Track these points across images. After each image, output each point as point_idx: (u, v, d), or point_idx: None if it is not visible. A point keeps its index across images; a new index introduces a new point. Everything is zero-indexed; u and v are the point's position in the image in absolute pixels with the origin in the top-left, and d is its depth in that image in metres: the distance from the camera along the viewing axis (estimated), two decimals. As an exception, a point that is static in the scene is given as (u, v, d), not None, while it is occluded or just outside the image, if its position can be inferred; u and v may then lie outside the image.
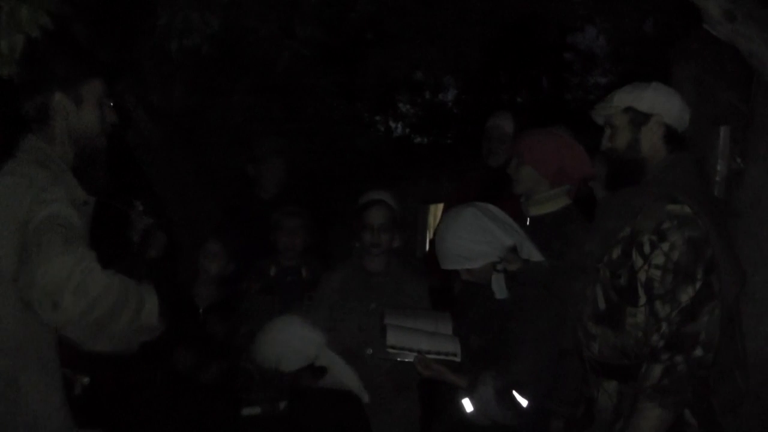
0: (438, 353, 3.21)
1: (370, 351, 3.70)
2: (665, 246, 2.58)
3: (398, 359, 3.27)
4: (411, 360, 3.23)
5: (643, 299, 2.64)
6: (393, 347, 3.24)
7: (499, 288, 3.17)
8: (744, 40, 3.17)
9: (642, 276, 2.64)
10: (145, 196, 3.38)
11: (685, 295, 2.54)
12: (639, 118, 2.84)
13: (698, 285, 2.55)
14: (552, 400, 3.18)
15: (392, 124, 14.87)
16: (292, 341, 3.60)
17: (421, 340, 3.25)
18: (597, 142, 3.00)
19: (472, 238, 3.15)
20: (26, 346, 2.47)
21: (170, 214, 5.89)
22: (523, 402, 3.00)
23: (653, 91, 2.86)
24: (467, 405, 3.12)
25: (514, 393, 3.01)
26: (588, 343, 2.84)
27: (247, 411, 3.55)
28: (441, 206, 5.34)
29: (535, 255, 3.20)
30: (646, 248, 2.63)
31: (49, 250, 2.32)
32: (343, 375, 3.53)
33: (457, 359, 3.21)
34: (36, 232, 2.36)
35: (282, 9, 4.25)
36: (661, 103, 2.85)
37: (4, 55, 2.28)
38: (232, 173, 5.73)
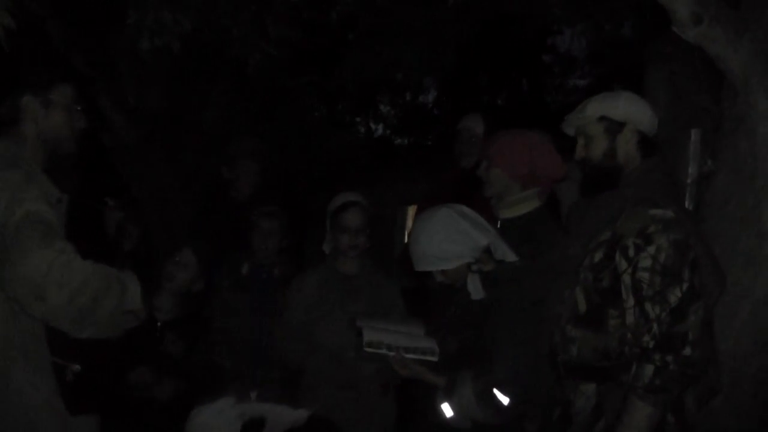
0: (415, 352, 3.22)
1: (352, 354, 3.69)
2: (651, 249, 2.62)
3: (376, 358, 3.28)
4: (389, 359, 3.23)
5: (629, 301, 2.67)
6: (370, 345, 3.24)
7: (475, 289, 3.17)
8: (711, 43, 3.20)
9: (627, 279, 2.68)
10: (120, 194, 3.36)
11: (674, 296, 2.59)
12: (613, 127, 2.89)
13: (685, 286, 2.60)
14: (526, 403, 3.17)
15: (373, 126, 14.85)
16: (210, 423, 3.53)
17: (398, 339, 3.25)
18: (575, 143, 3.03)
19: (447, 239, 3.13)
20: (13, 340, 2.55)
21: (147, 215, 5.86)
22: (505, 400, 2.99)
23: (626, 100, 2.92)
24: (447, 410, 3.10)
25: (495, 392, 3.00)
26: (566, 346, 2.85)
27: None
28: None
29: (509, 256, 3.19)
30: (631, 252, 2.67)
31: (28, 246, 2.39)
32: (277, 413, 3.49)
33: (435, 359, 3.21)
34: (14, 230, 2.41)
35: (255, 9, 4.23)
36: (634, 111, 2.91)
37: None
38: (208, 174, 5.71)
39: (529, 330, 3.05)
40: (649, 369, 2.57)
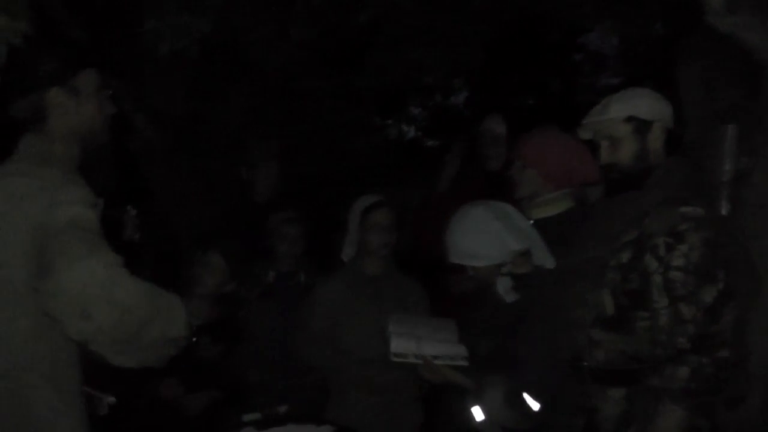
0: (444, 358, 3.15)
1: (379, 358, 3.61)
2: (684, 247, 2.56)
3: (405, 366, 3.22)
4: (418, 367, 3.19)
5: (662, 302, 2.61)
6: (397, 355, 3.18)
7: (505, 291, 3.10)
8: (747, 33, 3.12)
9: (658, 279, 2.61)
10: (140, 199, 3.28)
11: (709, 296, 2.52)
12: (643, 126, 2.79)
13: (720, 285, 2.53)
14: (552, 410, 3.07)
15: (405, 128, 14.85)
16: None
17: (426, 346, 3.19)
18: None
19: (477, 238, 3.08)
20: (38, 362, 2.30)
21: (171, 219, 5.85)
22: (535, 405, 2.92)
23: (649, 97, 2.83)
24: (477, 414, 3.04)
25: (525, 396, 2.93)
26: (591, 351, 2.78)
27: (248, 417, 3.45)
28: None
29: (548, 262, 3.12)
30: (661, 251, 2.60)
31: (75, 256, 2.14)
32: None
33: (465, 363, 3.13)
34: (58, 236, 2.18)
35: (277, 11, 4.19)
36: (660, 108, 2.82)
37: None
38: (230, 177, 5.69)
39: (554, 334, 2.98)
40: (684, 371, 2.51)
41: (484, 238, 3.07)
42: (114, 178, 2.74)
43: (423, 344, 3.19)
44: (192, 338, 3.84)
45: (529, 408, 2.92)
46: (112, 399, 2.49)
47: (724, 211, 3.36)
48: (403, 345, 3.19)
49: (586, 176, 3.50)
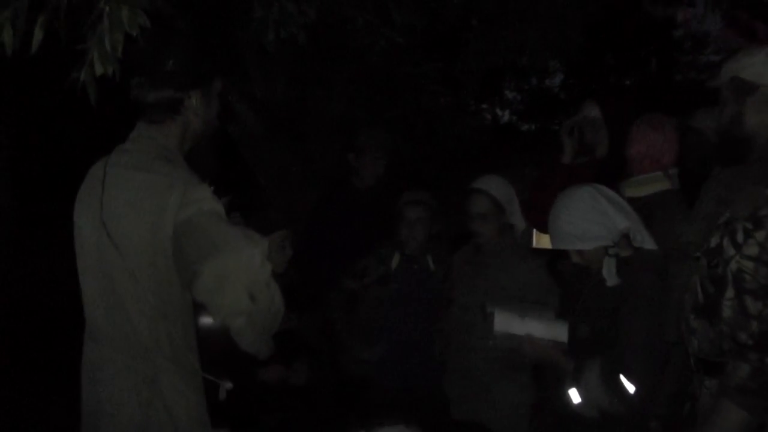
0: (546, 333, 3.18)
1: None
2: (760, 235, 2.32)
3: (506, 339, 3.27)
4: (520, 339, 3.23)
5: (730, 292, 2.39)
6: (500, 326, 3.22)
7: (609, 274, 3.07)
8: None
9: (733, 266, 2.38)
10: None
11: None
12: (744, 88, 2.55)
13: None
14: (649, 399, 3.03)
15: (499, 112, 14.77)
16: None
17: (528, 324, 3.21)
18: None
19: (587, 218, 3.06)
20: (160, 348, 2.45)
21: (273, 203, 5.97)
22: (630, 388, 2.89)
23: (763, 57, 2.54)
24: (574, 396, 3.04)
25: (622, 378, 2.90)
26: (689, 338, 2.65)
27: None
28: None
29: (648, 243, 3.08)
30: (739, 236, 2.37)
31: (237, 244, 2.28)
32: None
33: (564, 340, 3.14)
34: (209, 226, 2.32)
35: (382, -5, 4.22)
36: None
37: (108, 54, 2.33)
38: (332, 162, 5.77)
39: (657, 318, 2.95)
40: (745, 369, 2.31)
41: (594, 218, 3.06)
42: (215, 168, 2.82)
43: (525, 322, 3.22)
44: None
45: (625, 390, 2.89)
46: (229, 385, 2.60)
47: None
48: (505, 323, 3.23)
49: (668, 160, 3.51)
